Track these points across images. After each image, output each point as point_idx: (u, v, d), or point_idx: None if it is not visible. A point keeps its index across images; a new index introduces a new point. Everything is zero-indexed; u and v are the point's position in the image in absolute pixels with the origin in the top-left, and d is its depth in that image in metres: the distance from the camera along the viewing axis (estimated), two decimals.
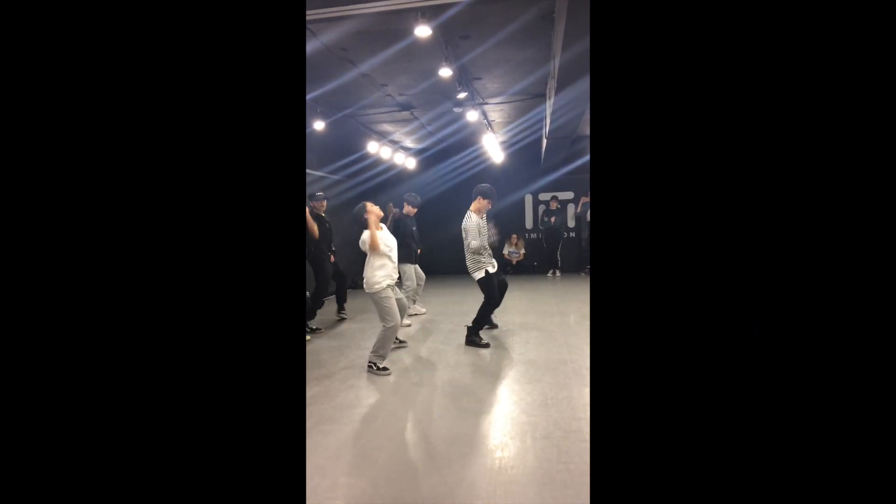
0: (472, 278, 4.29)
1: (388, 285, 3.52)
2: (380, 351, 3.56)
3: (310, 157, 6.83)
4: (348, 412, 2.88)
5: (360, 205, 3.63)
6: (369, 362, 3.60)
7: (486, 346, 4.17)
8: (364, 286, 3.57)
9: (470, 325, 4.31)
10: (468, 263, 4.28)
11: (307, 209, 5.06)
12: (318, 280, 5.09)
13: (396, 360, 3.85)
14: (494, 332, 4.64)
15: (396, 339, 4.05)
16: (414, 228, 5.29)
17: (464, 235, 4.25)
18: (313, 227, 4.82)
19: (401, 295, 3.78)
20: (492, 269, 4.24)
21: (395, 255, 3.65)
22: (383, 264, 3.54)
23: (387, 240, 3.63)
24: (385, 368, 3.56)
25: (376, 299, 3.51)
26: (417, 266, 5.40)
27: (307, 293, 4.94)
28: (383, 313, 3.51)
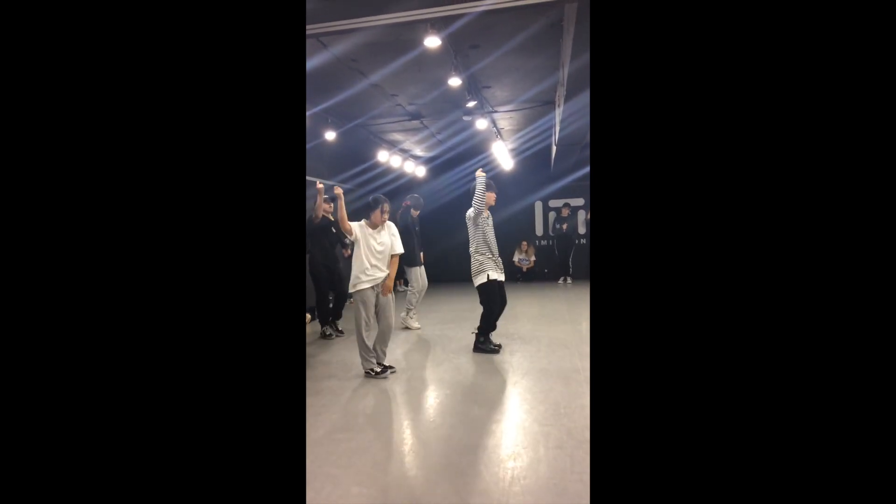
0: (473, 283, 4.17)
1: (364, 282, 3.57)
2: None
3: (321, 166, 6.90)
4: (360, 421, 2.88)
5: (380, 196, 3.76)
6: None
7: (497, 350, 4.14)
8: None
9: (475, 331, 4.29)
10: (471, 265, 4.13)
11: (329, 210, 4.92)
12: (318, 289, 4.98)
13: (407, 369, 3.86)
14: (504, 342, 4.62)
15: (388, 367, 3.71)
16: (417, 228, 5.28)
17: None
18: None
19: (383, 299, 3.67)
20: (494, 275, 4.05)
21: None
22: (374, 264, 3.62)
23: (384, 239, 3.67)
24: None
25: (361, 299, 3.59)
26: (422, 270, 5.33)
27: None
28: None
